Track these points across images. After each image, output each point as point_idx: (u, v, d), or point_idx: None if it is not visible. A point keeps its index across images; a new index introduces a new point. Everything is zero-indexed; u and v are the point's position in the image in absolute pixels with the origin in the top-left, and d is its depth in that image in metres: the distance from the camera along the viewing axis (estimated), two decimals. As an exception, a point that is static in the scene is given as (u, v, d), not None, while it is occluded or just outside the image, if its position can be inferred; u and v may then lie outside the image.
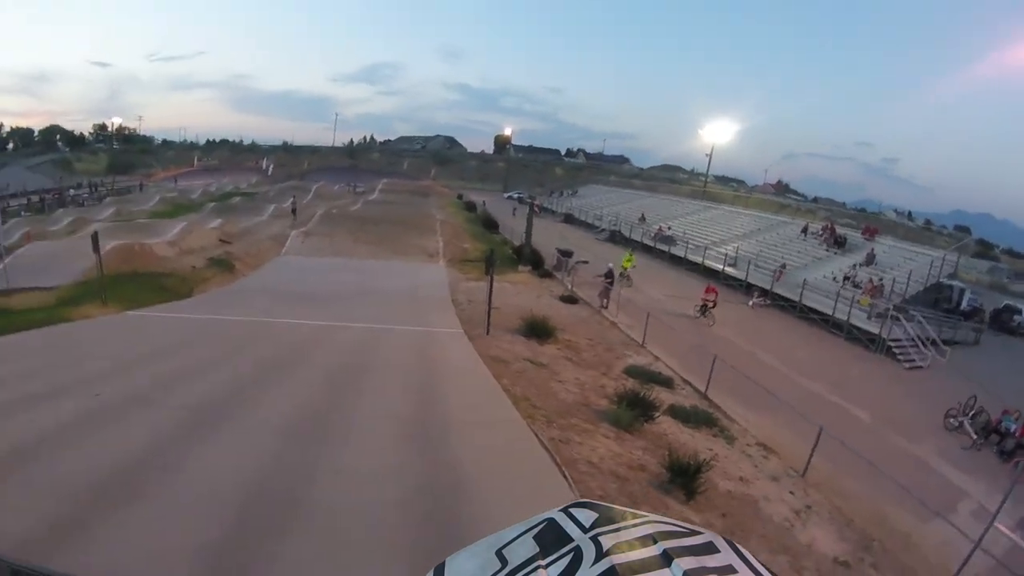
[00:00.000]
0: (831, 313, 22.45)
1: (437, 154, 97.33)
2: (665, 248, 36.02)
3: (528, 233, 29.63)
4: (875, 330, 20.65)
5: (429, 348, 13.05)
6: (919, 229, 57.23)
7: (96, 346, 12.07)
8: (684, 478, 7.95)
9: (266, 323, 14.77)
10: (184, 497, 4.98)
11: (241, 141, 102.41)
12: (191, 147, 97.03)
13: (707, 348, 15.16)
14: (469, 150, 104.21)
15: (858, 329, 21.28)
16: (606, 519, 1.18)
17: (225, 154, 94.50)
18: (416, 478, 5.77)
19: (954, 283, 28.65)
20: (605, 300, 21.44)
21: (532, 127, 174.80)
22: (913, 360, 19.76)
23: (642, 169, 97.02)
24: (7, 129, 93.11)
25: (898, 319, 20.78)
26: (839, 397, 15.21)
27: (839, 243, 31.43)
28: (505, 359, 12.58)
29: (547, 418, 9.05)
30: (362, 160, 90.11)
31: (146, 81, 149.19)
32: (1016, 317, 28.11)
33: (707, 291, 21.92)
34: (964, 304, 27.52)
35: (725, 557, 1.09)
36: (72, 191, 51.57)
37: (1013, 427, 13.61)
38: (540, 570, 1.07)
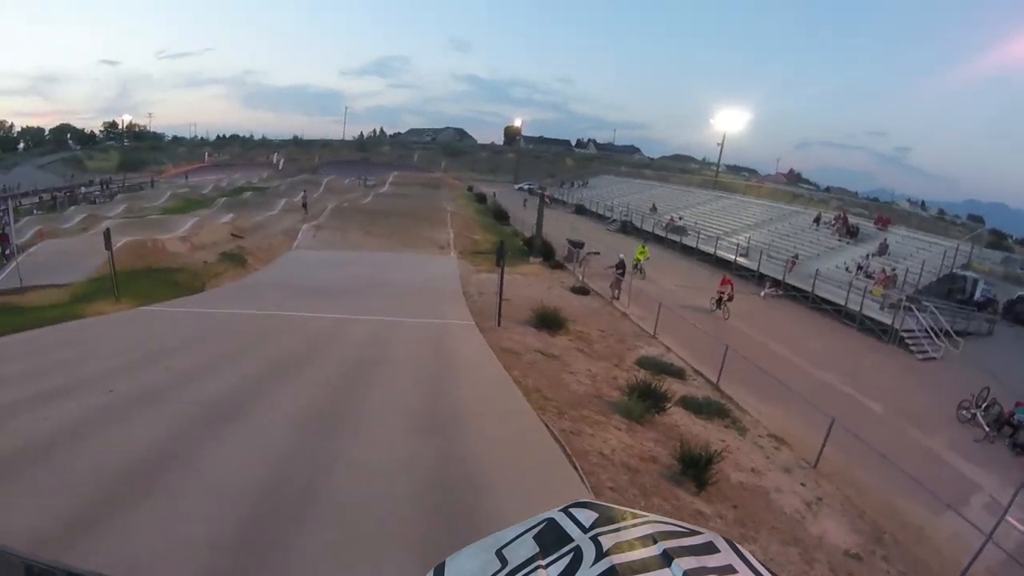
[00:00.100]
0: (844, 304, 22.24)
1: (447, 146, 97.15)
2: (676, 238, 35.83)
3: (539, 224, 29.55)
4: (888, 321, 20.46)
5: (441, 340, 13.08)
6: (932, 219, 56.73)
7: (109, 342, 12.21)
8: (695, 469, 7.94)
9: (279, 317, 14.84)
10: (198, 491, 5.05)
11: (252, 136, 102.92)
12: (202, 143, 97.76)
13: (719, 339, 15.10)
14: (479, 141, 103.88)
15: (871, 320, 21.09)
16: (606, 519, 1.19)
17: (236, 149, 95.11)
18: (426, 471, 5.81)
19: (967, 273, 28.31)
20: (616, 291, 21.40)
21: (542, 117, 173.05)
22: (926, 351, 19.59)
23: (653, 159, 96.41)
24: (18, 129, 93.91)
25: (911, 310, 20.57)
26: (851, 388, 15.11)
27: (852, 233, 31.10)
28: (516, 351, 12.59)
29: (558, 410, 9.06)
30: (373, 153, 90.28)
31: (156, 78, 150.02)
32: (1030, 308, 27.70)
33: (722, 283, 21.52)
34: (977, 295, 27.22)
35: (725, 557, 1.10)
36: (84, 189, 51.99)
37: (1026, 419, 13.47)
38: (540, 570, 1.07)
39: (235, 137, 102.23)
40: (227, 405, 7.47)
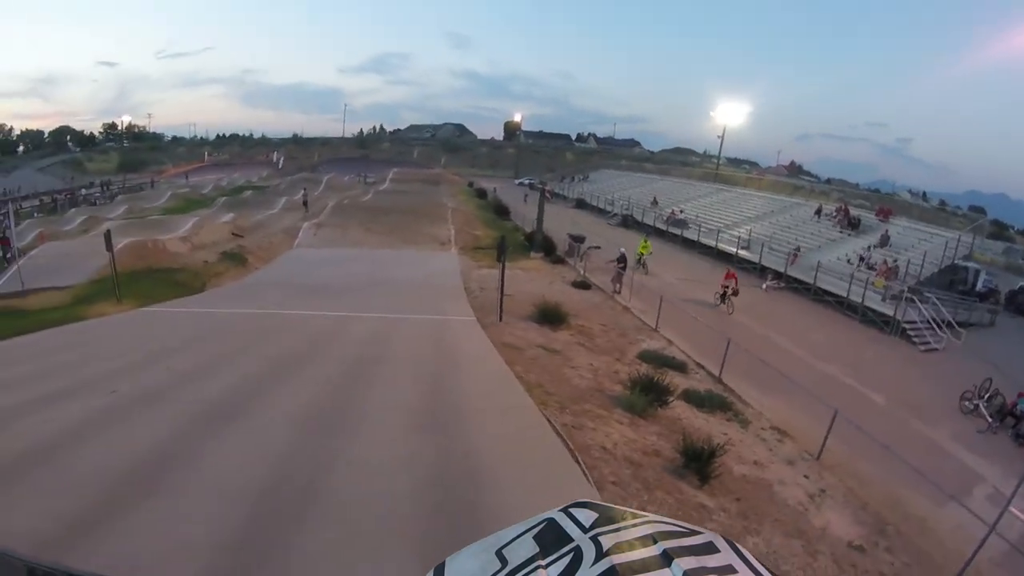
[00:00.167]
0: (846, 295, 22.23)
1: (447, 142, 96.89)
2: (678, 232, 35.71)
3: (539, 219, 29.51)
4: (890, 312, 20.42)
5: (442, 337, 13.10)
6: (934, 210, 56.57)
7: (111, 343, 12.25)
8: (698, 463, 7.95)
9: (279, 316, 14.86)
10: (199, 491, 5.06)
11: (251, 135, 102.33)
12: (201, 143, 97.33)
13: (721, 332, 15.10)
14: (479, 137, 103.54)
15: (873, 311, 21.06)
16: (606, 519, 1.18)
17: (235, 149, 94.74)
18: (428, 469, 5.81)
19: (969, 264, 28.18)
20: (618, 285, 21.38)
21: (542, 112, 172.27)
22: (928, 342, 19.56)
23: (653, 152, 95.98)
24: (17, 132, 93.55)
25: (913, 301, 20.52)
26: (854, 380, 15.10)
27: (853, 225, 31.00)
28: (518, 346, 12.61)
29: (560, 404, 9.07)
30: (372, 150, 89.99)
31: (154, 79, 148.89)
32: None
33: (726, 276, 21.35)
34: (979, 286, 27.07)
35: (725, 557, 1.09)
36: (84, 190, 52.09)
37: (1029, 410, 13.44)
38: (540, 570, 1.07)
39: (235, 136, 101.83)
40: (228, 404, 7.48)
